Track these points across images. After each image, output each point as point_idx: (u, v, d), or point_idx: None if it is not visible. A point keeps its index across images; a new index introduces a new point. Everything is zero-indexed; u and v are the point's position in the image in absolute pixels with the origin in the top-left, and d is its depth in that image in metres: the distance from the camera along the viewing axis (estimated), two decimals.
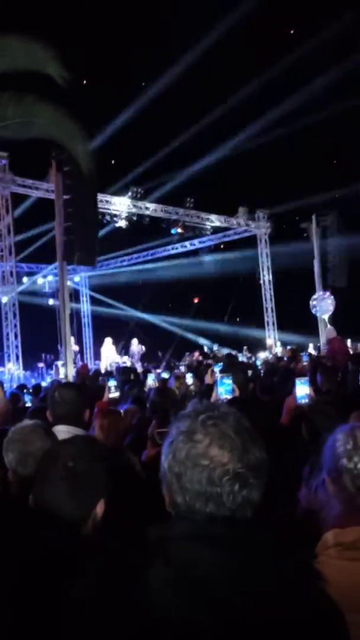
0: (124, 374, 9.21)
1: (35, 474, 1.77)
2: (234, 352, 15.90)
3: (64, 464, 1.68)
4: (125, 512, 1.87)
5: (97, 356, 20.46)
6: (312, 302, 18.11)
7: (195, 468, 1.20)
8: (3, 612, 1.39)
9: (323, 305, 17.85)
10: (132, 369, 12.67)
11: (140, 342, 19.37)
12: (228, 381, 3.54)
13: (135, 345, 19.27)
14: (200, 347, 20.50)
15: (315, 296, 18.27)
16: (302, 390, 3.39)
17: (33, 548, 1.43)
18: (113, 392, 4.67)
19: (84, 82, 19.24)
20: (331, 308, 17.95)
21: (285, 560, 1.21)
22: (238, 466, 1.20)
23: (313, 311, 18.19)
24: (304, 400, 3.36)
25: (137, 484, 2.48)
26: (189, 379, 6.23)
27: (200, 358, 17.80)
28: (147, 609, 1.11)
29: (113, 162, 17.54)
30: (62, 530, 1.54)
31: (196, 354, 18.63)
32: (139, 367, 14.98)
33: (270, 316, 20.63)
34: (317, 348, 16.46)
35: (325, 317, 18.00)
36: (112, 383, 4.75)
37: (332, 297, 18.09)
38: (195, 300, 25.35)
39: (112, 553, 1.30)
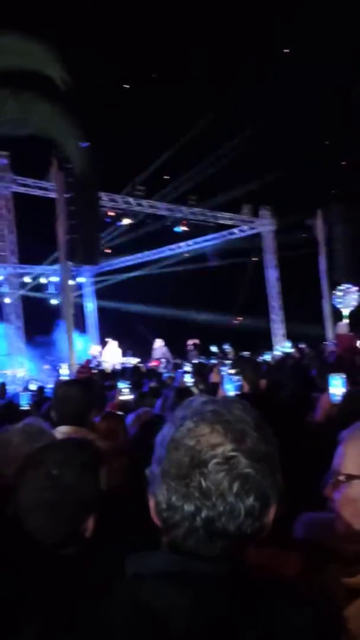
0: (135, 375, 8.87)
1: (14, 480, 1.52)
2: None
3: (48, 472, 1.40)
4: (121, 531, 1.62)
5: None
6: (337, 294, 17.54)
7: (178, 450, 0.94)
8: None
9: (348, 299, 17.27)
10: (139, 369, 12.25)
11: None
12: (236, 377, 3.30)
13: (160, 346, 17.97)
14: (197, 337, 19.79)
15: (340, 288, 17.66)
16: (338, 390, 2.93)
17: None
18: (126, 394, 4.30)
19: (126, 86, 19.09)
20: (354, 303, 17.36)
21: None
22: (229, 448, 0.92)
23: (335, 303, 17.65)
24: (339, 399, 2.92)
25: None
26: (189, 378, 5.83)
27: (196, 343, 17.21)
28: None
29: (122, 162, 17.25)
30: (37, 551, 1.28)
31: (190, 342, 17.73)
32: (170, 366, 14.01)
33: (277, 314, 20.30)
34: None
35: (346, 311, 17.43)
36: (123, 385, 4.37)
37: (358, 292, 17.44)
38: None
39: (72, 593, 1.05)
